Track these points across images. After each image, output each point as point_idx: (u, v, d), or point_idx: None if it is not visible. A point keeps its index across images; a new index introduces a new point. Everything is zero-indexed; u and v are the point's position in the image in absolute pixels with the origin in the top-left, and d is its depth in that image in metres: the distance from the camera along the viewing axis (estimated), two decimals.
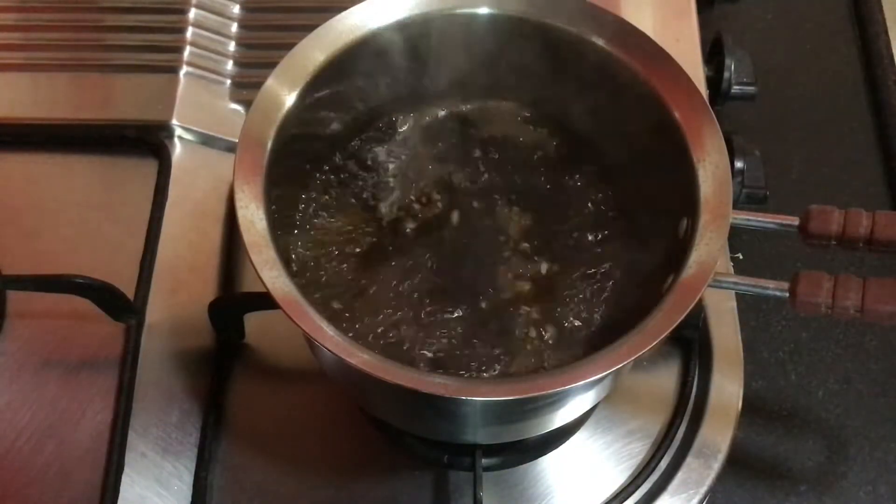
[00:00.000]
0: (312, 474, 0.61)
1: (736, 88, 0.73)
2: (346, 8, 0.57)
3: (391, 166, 0.62)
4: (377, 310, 0.56)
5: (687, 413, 0.63)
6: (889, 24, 0.83)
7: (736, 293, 0.66)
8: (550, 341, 0.55)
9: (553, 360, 0.55)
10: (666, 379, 0.64)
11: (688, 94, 0.55)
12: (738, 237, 0.70)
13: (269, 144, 0.53)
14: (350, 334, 0.53)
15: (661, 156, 0.56)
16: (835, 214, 0.52)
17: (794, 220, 0.54)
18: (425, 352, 0.55)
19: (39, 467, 0.59)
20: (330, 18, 0.57)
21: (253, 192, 0.51)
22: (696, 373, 0.64)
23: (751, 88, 0.73)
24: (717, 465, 0.61)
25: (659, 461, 0.61)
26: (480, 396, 0.47)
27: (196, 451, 0.61)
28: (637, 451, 0.62)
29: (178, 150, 0.71)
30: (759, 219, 0.55)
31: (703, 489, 0.60)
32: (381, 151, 0.63)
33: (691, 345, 0.64)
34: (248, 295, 0.63)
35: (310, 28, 0.56)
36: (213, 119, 0.73)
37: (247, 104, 0.69)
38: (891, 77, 0.80)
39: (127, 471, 0.59)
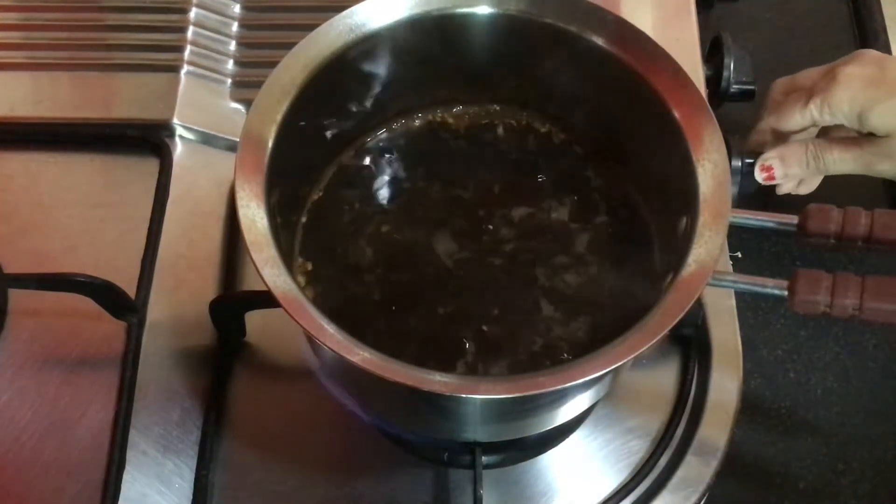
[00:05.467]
0: (313, 472, 0.61)
1: (735, 88, 0.73)
2: (346, 8, 0.57)
3: (392, 165, 0.63)
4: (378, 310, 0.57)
5: (686, 411, 0.63)
6: (888, 23, 0.83)
7: (735, 292, 0.66)
8: (550, 339, 0.56)
9: (552, 357, 0.55)
10: (665, 377, 0.64)
11: (687, 93, 0.55)
12: (737, 236, 0.70)
13: (270, 143, 0.53)
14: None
15: (661, 155, 0.56)
16: (834, 213, 0.53)
17: (794, 219, 0.54)
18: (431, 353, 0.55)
19: (41, 465, 0.60)
20: (330, 18, 0.57)
21: (254, 190, 0.51)
22: (695, 371, 0.64)
23: (750, 88, 0.73)
24: (715, 463, 0.61)
25: (658, 459, 0.61)
26: (480, 394, 0.47)
27: (197, 449, 0.61)
28: (636, 449, 0.62)
29: (179, 149, 0.71)
30: (759, 217, 0.55)
31: (702, 487, 0.61)
32: (382, 150, 0.63)
33: (690, 343, 0.65)
34: (249, 293, 0.63)
35: (310, 27, 0.56)
36: (214, 118, 0.73)
37: (247, 103, 0.69)
38: None
39: (128, 469, 0.59)
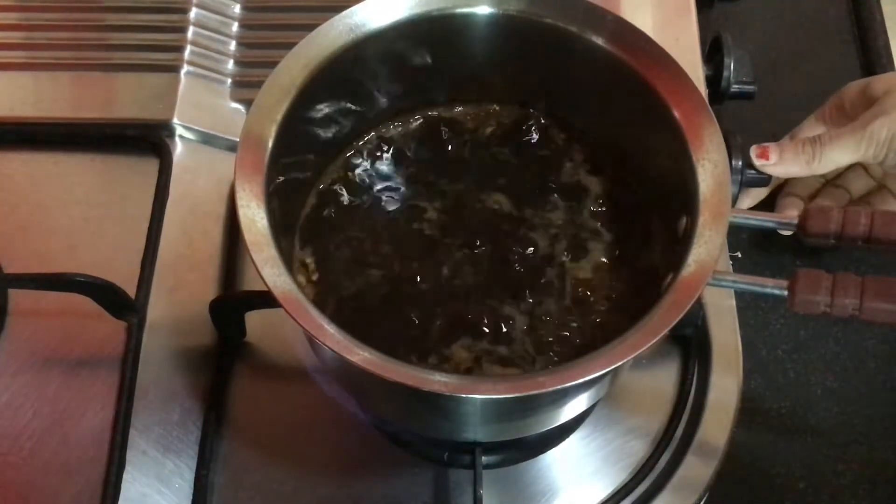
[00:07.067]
0: (313, 472, 0.61)
1: (735, 87, 0.73)
2: (346, 8, 0.57)
3: (392, 164, 0.63)
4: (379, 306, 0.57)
5: (686, 411, 0.63)
6: (888, 23, 0.83)
7: (735, 291, 0.66)
8: (550, 339, 0.56)
9: (552, 357, 0.55)
10: (665, 377, 0.64)
11: (687, 93, 0.55)
12: (737, 236, 0.71)
13: (270, 143, 0.53)
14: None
15: (661, 155, 0.56)
16: (834, 213, 0.53)
17: (794, 219, 0.54)
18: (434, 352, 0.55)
19: (41, 465, 0.60)
20: (330, 18, 0.57)
21: (254, 190, 0.51)
22: (695, 371, 0.64)
23: (750, 87, 0.73)
24: (715, 463, 0.61)
25: (658, 459, 0.61)
26: (480, 394, 0.47)
27: (197, 449, 0.61)
28: (636, 450, 0.62)
29: (179, 148, 0.71)
30: (759, 217, 0.55)
31: (702, 487, 0.61)
32: (382, 150, 0.63)
33: (690, 343, 0.65)
34: (249, 293, 0.63)
35: (310, 27, 0.56)
36: (214, 118, 0.73)
37: (247, 103, 0.69)
38: None
39: (128, 468, 0.59)
